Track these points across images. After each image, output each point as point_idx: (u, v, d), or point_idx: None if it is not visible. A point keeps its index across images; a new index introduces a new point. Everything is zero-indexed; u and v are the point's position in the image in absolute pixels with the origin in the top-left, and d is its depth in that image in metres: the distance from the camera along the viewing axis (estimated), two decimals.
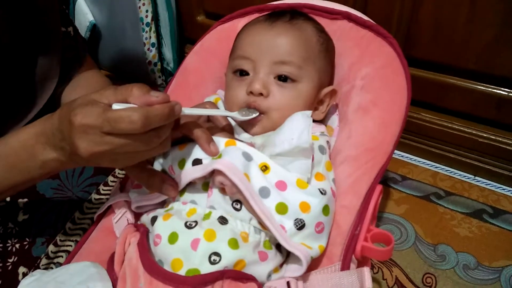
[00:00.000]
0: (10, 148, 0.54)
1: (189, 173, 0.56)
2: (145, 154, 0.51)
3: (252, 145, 0.60)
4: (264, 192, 0.54)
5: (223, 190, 0.56)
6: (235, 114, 0.64)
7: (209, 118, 0.67)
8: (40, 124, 0.53)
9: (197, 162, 0.56)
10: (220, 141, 0.58)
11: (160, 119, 0.46)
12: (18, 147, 0.54)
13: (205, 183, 0.57)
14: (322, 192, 0.56)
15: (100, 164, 0.50)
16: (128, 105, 0.47)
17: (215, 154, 0.56)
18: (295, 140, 0.56)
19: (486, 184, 1.10)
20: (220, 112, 0.68)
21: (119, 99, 0.47)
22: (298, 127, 0.58)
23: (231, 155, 0.55)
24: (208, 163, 0.55)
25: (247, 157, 0.56)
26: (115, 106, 0.46)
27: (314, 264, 0.57)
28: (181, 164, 0.57)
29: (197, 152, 0.57)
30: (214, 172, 0.55)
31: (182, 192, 0.59)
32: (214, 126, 0.64)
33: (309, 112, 0.63)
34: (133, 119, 0.44)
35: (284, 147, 0.57)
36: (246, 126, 0.66)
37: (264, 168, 0.56)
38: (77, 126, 0.46)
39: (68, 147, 0.49)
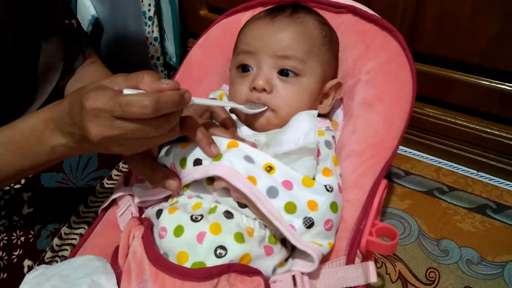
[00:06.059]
0: (19, 132, 0.54)
1: (190, 173, 0.56)
2: (155, 141, 0.51)
3: (254, 144, 0.60)
4: (272, 192, 0.54)
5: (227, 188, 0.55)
6: (243, 107, 0.64)
7: (212, 115, 0.67)
8: (49, 109, 0.53)
9: (197, 162, 0.56)
10: (223, 141, 0.58)
11: (171, 105, 0.47)
12: (27, 132, 0.54)
13: (210, 178, 0.57)
14: (329, 190, 0.56)
15: (109, 149, 0.50)
16: (139, 91, 0.47)
17: (215, 156, 0.56)
18: (301, 140, 0.56)
19: (489, 180, 1.10)
20: (228, 103, 0.67)
21: (130, 85, 0.48)
22: (305, 127, 0.57)
23: (232, 160, 0.55)
24: (208, 165, 0.55)
25: (250, 160, 0.56)
26: (126, 91, 0.47)
27: None
28: (183, 163, 0.57)
29: (198, 152, 0.57)
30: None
31: (187, 186, 0.59)
32: (217, 124, 0.64)
33: (315, 112, 0.62)
34: (145, 103, 0.44)
35: (290, 146, 0.56)
36: (252, 120, 0.66)
37: (269, 169, 0.56)
38: (88, 110, 0.46)
39: (77, 132, 0.49)
